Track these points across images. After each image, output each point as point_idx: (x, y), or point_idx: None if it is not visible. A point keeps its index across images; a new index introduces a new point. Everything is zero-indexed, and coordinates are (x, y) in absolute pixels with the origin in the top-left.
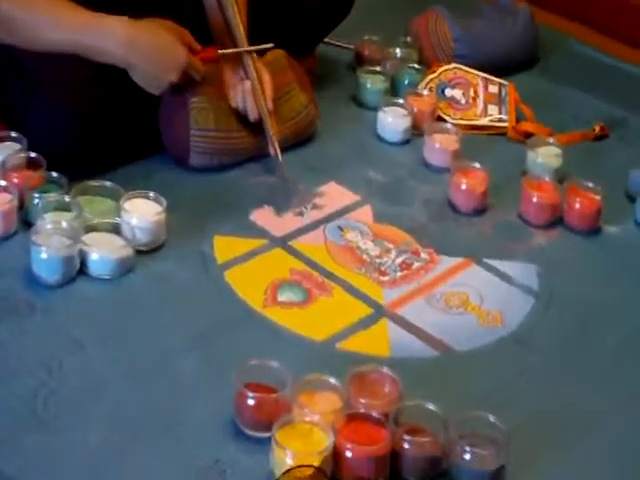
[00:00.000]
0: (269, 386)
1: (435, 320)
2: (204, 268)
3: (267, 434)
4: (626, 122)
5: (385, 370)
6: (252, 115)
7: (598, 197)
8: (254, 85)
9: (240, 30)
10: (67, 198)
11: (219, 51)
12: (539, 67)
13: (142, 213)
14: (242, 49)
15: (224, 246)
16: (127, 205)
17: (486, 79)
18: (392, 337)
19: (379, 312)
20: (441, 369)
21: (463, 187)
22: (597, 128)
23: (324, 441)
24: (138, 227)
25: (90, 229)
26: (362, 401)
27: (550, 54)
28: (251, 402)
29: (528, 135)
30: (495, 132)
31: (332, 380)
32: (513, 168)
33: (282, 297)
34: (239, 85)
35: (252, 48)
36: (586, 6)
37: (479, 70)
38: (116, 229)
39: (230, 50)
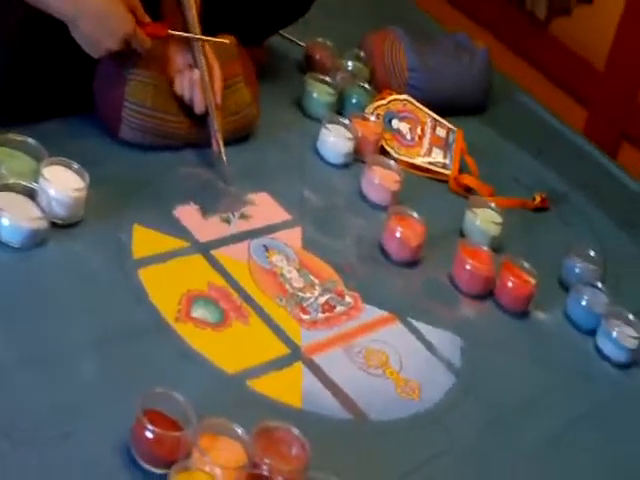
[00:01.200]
0: (171, 418)
1: (352, 377)
2: (119, 259)
3: (162, 471)
4: (567, 199)
5: (294, 432)
6: (198, 108)
7: (532, 280)
8: (203, 76)
9: (193, 13)
10: None
11: (169, 30)
12: (489, 115)
13: (62, 185)
14: (194, 36)
15: (143, 239)
16: (47, 172)
17: (435, 120)
18: (305, 386)
19: (295, 354)
20: (352, 437)
21: (398, 235)
22: (538, 198)
23: None
24: (55, 199)
25: (4, 188)
26: (267, 461)
27: (502, 104)
28: (150, 435)
29: (468, 189)
30: (436, 177)
31: (239, 430)
32: (451, 223)
33: (196, 313)
34: (187, 72)
35: (205, 38)
36: (543, 57)
37: (428, 106)
38: (32, 194)
39: (181, 33)
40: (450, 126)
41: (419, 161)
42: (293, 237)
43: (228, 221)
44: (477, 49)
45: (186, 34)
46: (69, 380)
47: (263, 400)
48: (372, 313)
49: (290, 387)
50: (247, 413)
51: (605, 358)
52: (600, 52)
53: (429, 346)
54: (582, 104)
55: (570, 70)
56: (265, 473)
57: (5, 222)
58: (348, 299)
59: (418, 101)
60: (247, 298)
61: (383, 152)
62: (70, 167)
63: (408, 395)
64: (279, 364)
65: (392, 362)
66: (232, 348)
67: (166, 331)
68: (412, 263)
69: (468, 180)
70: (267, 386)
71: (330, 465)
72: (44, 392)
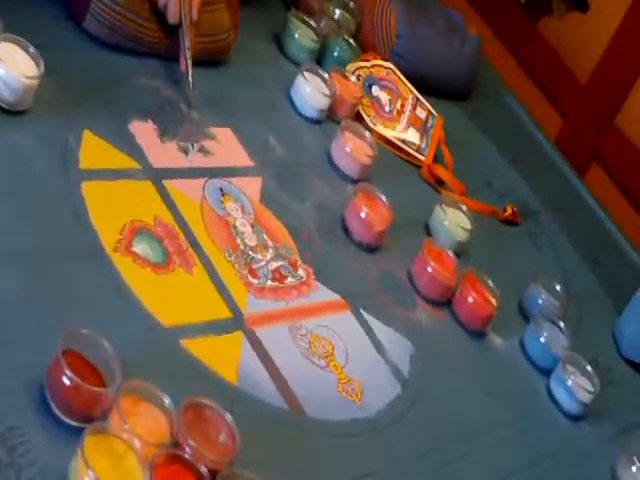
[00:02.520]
0: (92, 364)
1: (293, 362)
2: (63, 164)
3: (74, 423)
4: (538, 218)
5: (227, 418)
6: (172, 18)
7: (493, 301)
8: None
9: None
10: None
11: None
12: (470, 107)
13: (14, 67)
14: None
15: (92, 148)
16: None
17: (417, 99)
18: (243, 361)
19: (237, 322)
20: (286, 432)
21: (362, 216)
22: (509, 210)
23: (137, 475)
24: (4, 81)
25: None
26: (191, 443)
27: (485, 98)
28: (67, 382)
29: (440, 181)
30: (408, 160)
31: (166, 400)
32: (418, 214)
33: (138, 247)
34: None
35: None
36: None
37: (409, 79)
38: None
39: None
40: (431, 109)
41: (393, 135)
42: (252, 186)
43: (186, 151)
44: (469, 35)
45: None
46: None
47: (196, 365)
48: (324, 294)
49: (227, 357)
50: (177, 376)
51: (556, 404)
52: (586, 64)
53: (378, 345)
54: (559, 113)
55: (553, 75)
56: (187, 456)
57: None
58: (301, 272)
59: (402, 73)
60: (194, 244)
61: (358, 118)
62: (26, 50)
63: (349, 396)
64: (218, 328)
65: (337, 355)
66: (170, 297)
67: (102, 260)
68: (372, 249)
69: (441, 172)
70: (202, 350)
71: (256, 458)
72: None
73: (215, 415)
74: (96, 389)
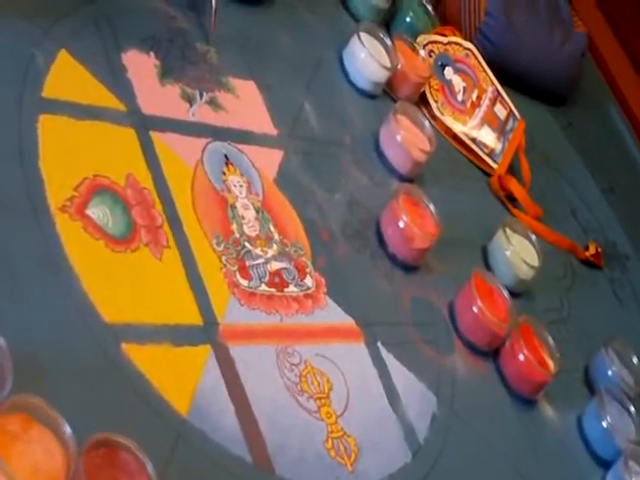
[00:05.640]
0: None
1: (272, 397)
2: (21, 86)
3: None
4: (625, 265)
5: (148, 467)
6: None
7: (551, 366)
8: None
9: None
10: None
11: None
12: (564, 115)
13: None
14: None
15: (65, 73)
16: None
17: (498, 93)
18: (203, 385)
19: (208, 332)
20: None
21: (401, 225)
22: (592, 249)
23: None
24: None
25: None
26: None
27: (584, 108)
28: None
29: (511, 198)
30: (476, 163)
31: (66, 429)
32: (474, 234)
33: (94, 211)
34: None
35: None
36: None
37: (492, 68)
38: None
39: None
40: (514, 109)
41: (462, 131)
42: (268, 160)
43: (191, 100)
44: (575, 30)
45: None
46: None
47: (136, 381)
48: (333, 314)
49: (181, 377)
50: (106, 393)
51: None
52: None
53: (392, 394)
54: None
55: None
56: None
57: None
58: (309, 281)
59: (484, 59)
60: (173, 219)
61: (422, 101)
62: None
63: (339, 456)
64: (179, 336)
65: (334, 398)
66: (122, 284)
67: (41, 218)
68: (409, 267)
69: (515, 187)
70: (150, 362)
71: None
72: None
73: (133, 461)
74: None
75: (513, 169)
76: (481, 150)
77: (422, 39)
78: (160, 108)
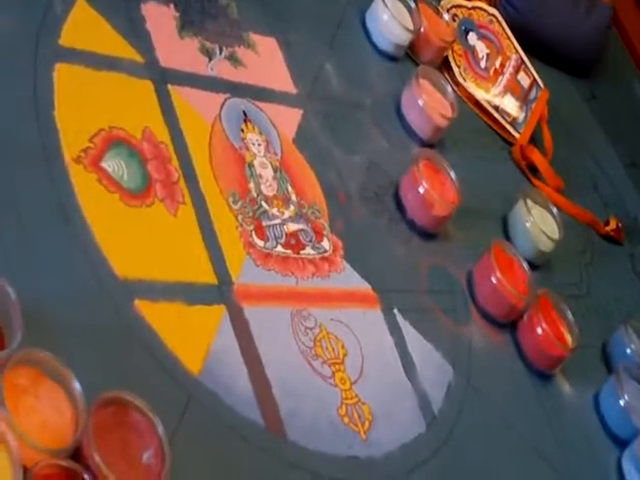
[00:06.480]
0: None
1: (286, 362)
2: (37, 33)
3: None
4: None
5: (159, 431)
6: None
7: (569, 340)
8: None
9: None
10: None
11: None
12: (588, 87)
13: None
14: None
15: (83, 21)
16: None
17: (522, 61)
18: (216, 346)
19: (222, 291)
20: (253, 459)
21: (420, 191)
22: (612, 223)
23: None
24: None
25: None
26: (96, 459)
27: (607, 81)
28: None
29: (533, 168)
30: (498, 131)
31: (76, 385)
32: (495, 203)
33: (109, 163)
34: None
35: None
36: None
37: (517, 36)
38: None
39: None
40: (537, 78)
41: (485, 98)
42: (287, 119)
43: (210, 55)
44: (601, 3)
45: None
46: None
47: (149, 339)
48: (350, 279)
49: (194, 337)
50: (118, 350)
51: None
52: None
53: (407, 363)
54: None
55: None
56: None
57: None
58: (326, 244)
59: (508, 26)
60: (189, 175)
61: (445, 66)
62: None
63: (353, 424)
64: (193, 295)
65: (349, 364)
66: (136, 239)
67: (55, 168)
68: (428, 235)
69: (537, 158)
70: (163, 320)
71: None
72: None
73: (143, 421)
74: None
75: (535, 139)
76: (503, 118)
77: (446, 2)
78: (178, 61)
